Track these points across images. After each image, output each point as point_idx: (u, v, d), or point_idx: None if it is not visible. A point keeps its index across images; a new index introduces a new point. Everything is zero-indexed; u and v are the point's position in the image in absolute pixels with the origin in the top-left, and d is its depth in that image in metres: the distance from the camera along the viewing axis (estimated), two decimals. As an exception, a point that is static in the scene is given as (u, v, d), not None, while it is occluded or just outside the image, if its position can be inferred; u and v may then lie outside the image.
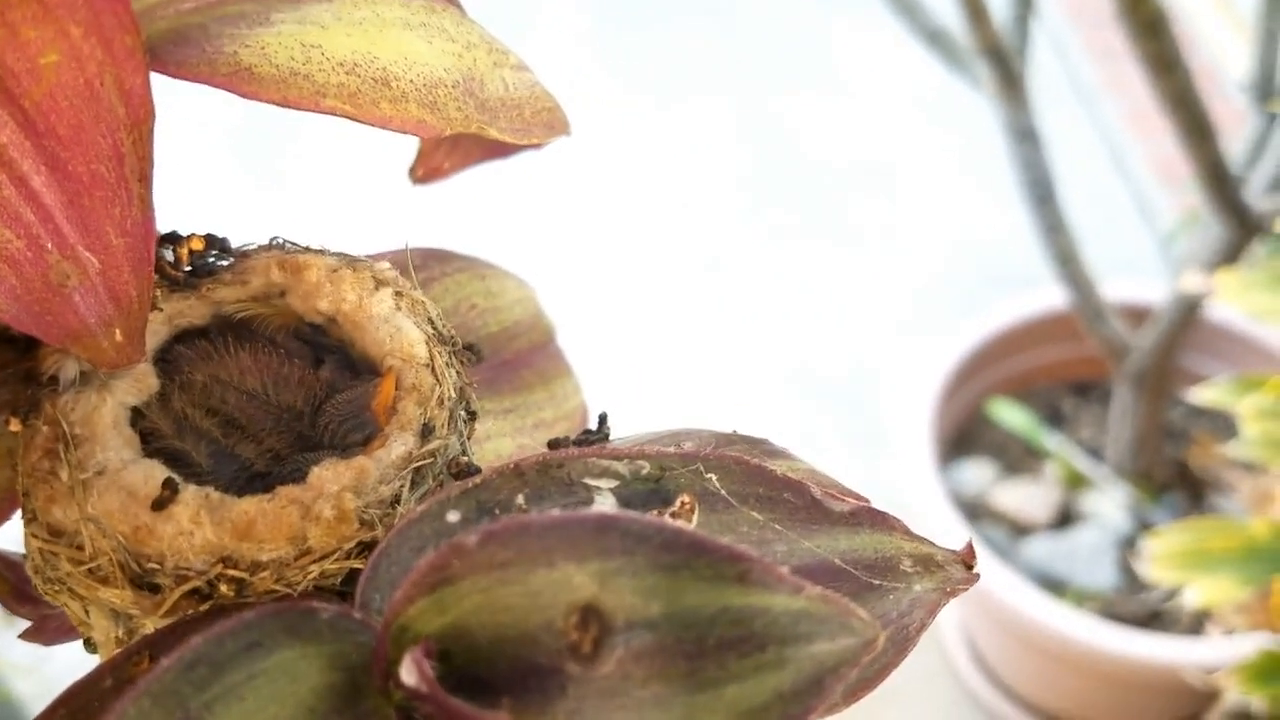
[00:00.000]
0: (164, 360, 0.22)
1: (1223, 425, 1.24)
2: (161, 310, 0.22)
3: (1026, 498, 1.31)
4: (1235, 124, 1.19)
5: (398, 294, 0.22)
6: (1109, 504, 1.28)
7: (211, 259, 0.22)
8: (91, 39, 0.17)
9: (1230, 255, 1.03)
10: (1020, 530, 1.29)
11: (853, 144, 1.82)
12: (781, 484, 0.19)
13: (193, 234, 0.22)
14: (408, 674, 0.16)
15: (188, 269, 0.22)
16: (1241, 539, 0.92)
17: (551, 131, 0.24)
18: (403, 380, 0.21)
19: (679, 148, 1.84)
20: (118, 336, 0.19)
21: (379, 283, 0.22)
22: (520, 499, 0.18)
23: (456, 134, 0.27)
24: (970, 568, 0.20)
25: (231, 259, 0.22)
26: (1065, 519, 1.30)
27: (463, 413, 0.22)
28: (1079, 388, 1.35)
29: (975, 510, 1.29)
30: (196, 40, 0.19)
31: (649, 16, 2.07)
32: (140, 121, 0.18)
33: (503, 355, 0.26)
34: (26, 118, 0.17)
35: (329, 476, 0.20)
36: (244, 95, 0.19)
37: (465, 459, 0.21)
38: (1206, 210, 1.02)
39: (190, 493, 0.19)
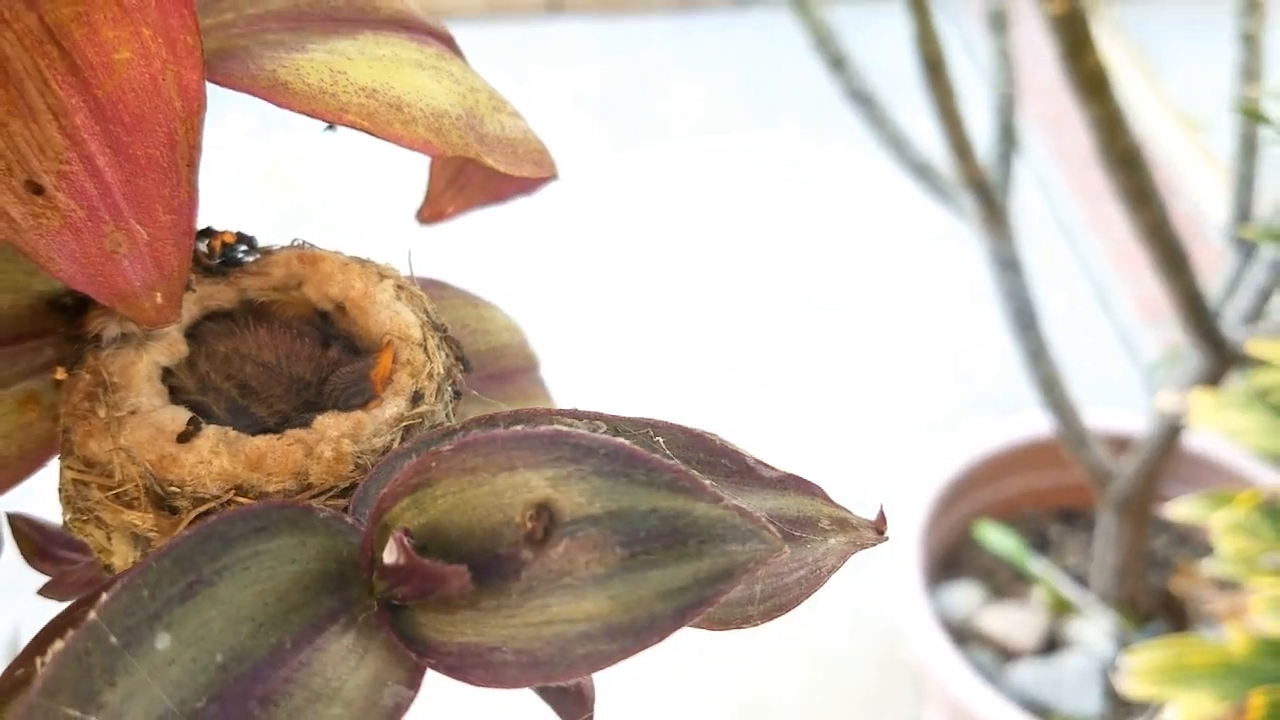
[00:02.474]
0: (193, 335, 0.25)
1: (1205, 554, 1.26)
2: (194, 292, 0.25)
3: (1014, 622, 1.32)
4: (1216, 265, 1.24)
5: (399, 287, 0.26)
6: (1095, 631, 1.29)
7: (240, 252, 0.26)
8: (159, 39, 0.20)
9: (1208, 385, 1.06)
10: (1007, 655, 1.30)
11: (840, 268, 1.87)
12: (720, 451, 0.22)
13: (225, 230, 0.26)
14: (389, 554, 0.19)
15: (219, 259, 0.25)
16: (1219, 655, 0.93)
17: (539, 169, 0.27)
18: (399, 356, 0.25)
19: (673, 263, 1.89)
20: (159, 299, 0.22)
21: (383, 276, 0.26)
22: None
23: (459, 179, 0.31)
24: (881, 533, 0.23)
25: (257, 254, 0.26)
26: (1052, 645, 1.31)
27: (449, 388, 0.25)
28: (1065, 514, 1.38)
29: (963, 633, 1.30)
30: (242, 58, 0.23)
31: (648, 142, 2.14)
32: (193, 113, 0.21)
33: (490, 370, 0.30)
34: (98, 105, 0.21)
35: (330, 424, 0.23)
36: (279, 105, 0.23)
37: (448, 424, 0.24)
38: (1186, 341, 1.05)
39: (211, 429, 0.23)
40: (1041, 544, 1.35)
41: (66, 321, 0.24)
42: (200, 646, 0.18)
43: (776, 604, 0.21)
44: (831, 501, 0.23)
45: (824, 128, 2.11)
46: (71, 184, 0.21)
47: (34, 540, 0.26)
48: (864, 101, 1.15)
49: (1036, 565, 1.29)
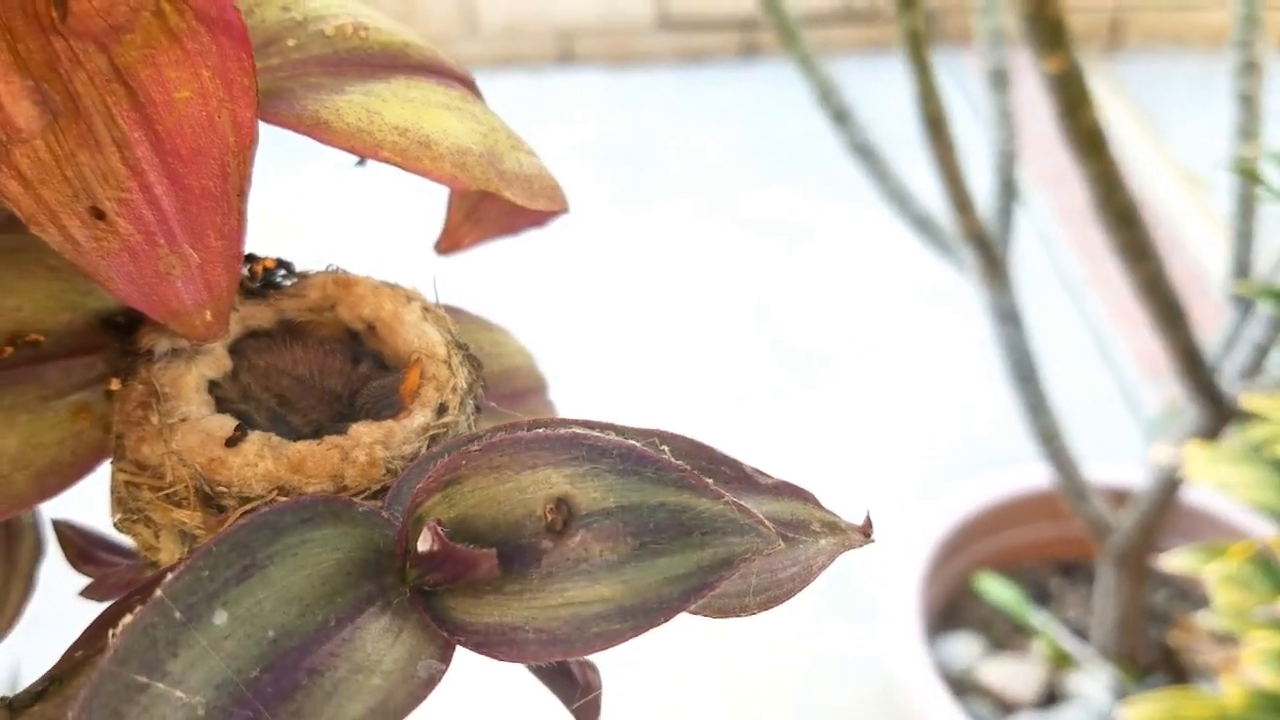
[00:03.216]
0: (236, 350, 0.27)
1: (1205, 608, 1.27)
2: (237, 311, 0.27)
3: (1013, 675, 1.33)
4: (1217, 321, 1.26)
5: (425, 309, 0.28)
6: (1094, 684, 1.30)
7: (280, 277, 0.28)
8: (217, 80, 0.23)
9: (1206, 439, 1.07)
10: (1006, 708, 1.31)
11: (842, 323, 1.89)
12: (720, 459, 0.24)
13: (267, 256, 0.28)
14: (424, 542, 0.21)
15: (260, 283, 0.28)
16: (1214, 709, 0.94)
17: (552, 204, 0.30)
18: (425, 371, 0.27)
19: (673, 318, 1.91)
20: (208, 316, 0.24)
21: (410, 299, 0.28)
22: (515, 442, 0.23)
23: (475, 212, 0.34)
24: (869, 536, 0.25)
25: (295, 278, 0.28)
26: (1051, 697, 1.31)
27: (471, 402, 0.27)
28: (1065, 567, 1.39)
29: (962, 685, 1.31)
30: (288, 99, 0.25)
31: (652, 194, 2.17)
32: (245, 148, 0.23)
33: (502, 390, 0.32)
34: (158, 138, 0.23)
35: (364, 431, 0.25)
36: (320, 141, 0.25)
37: (471, 433, 0.26)
38: (1184, 395, 1.07)
39: (256, 435, 0.25)
40: (1041, 596, 1.36)
41: (119, 338, 0.26)
42: (254, 623, 0.20)
43: (771, 596, 0.23)
44: (822, 507, 0.25)
45: (828, 182, 2.14)
46: (131, 210, 0.23)
47: (77, 544, 0.28)
48: (867, 155, 1.17)
49: (1036, 617, 1.30)
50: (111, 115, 0.23)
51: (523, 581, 0.21)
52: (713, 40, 2.60)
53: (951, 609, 1.37)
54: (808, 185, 2.19)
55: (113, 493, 0.25)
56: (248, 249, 0.28)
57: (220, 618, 0.19)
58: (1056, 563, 1.39)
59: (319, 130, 0.25)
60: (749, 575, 0.23)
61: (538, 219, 0.33)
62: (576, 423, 0.23)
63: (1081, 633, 1.32)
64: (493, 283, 2.01)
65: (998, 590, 1.31)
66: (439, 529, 0.21)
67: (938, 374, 1.82)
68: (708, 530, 0.21)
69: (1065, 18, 0.88)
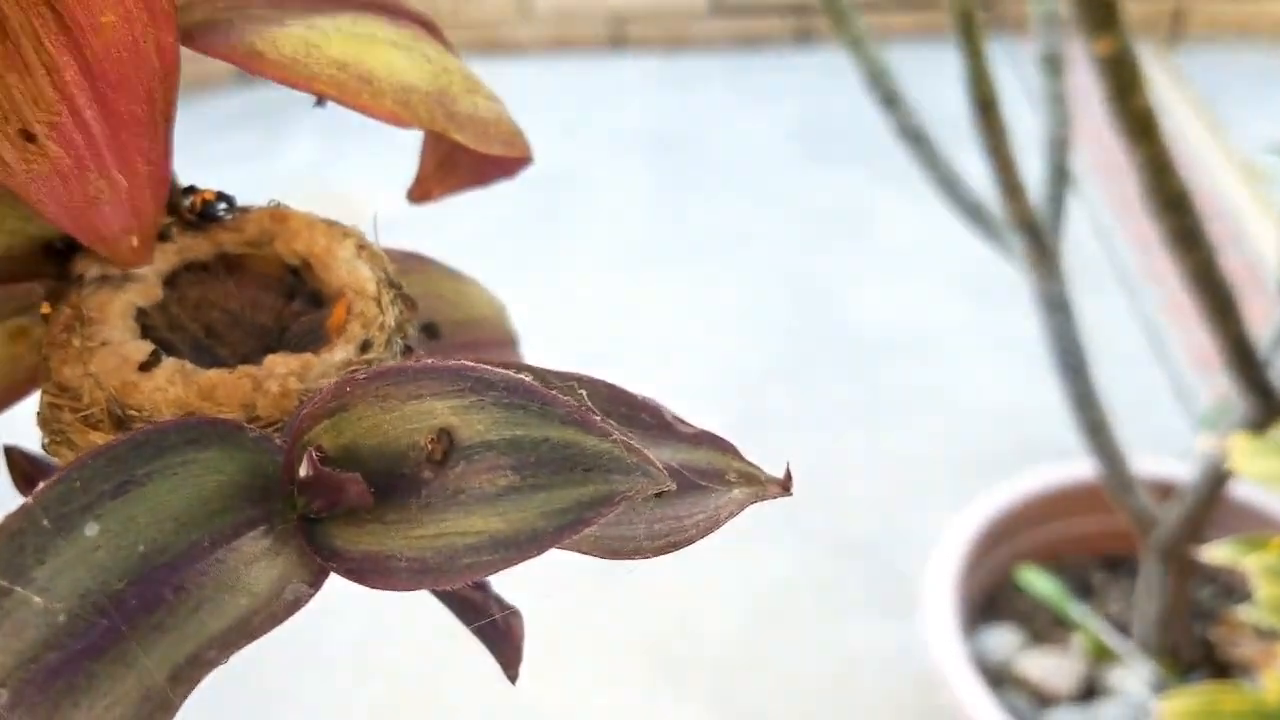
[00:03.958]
0: (171, 282, 0.28)
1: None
2: (175, 243, 0.28)
3: (1052, 668, 1.31)
4: (1273, 316, 1.23)
5: (360, 246, 0.28)
6: (1134, 680, 1.28)
7: (220, 210, 0.28)
8: (139, 5, 0.23)
9: (1255, 433, 1.05)
10: (1044, 700, 1.29)
11: (892, 310, 1.87)
12: (640, 406, 0.24)
13: (207, 188, 0.28)
14: (303, 468, 0.21)
15: (199, 215, 0.28)
16: (1253, 702, 0.93)
17: (510, 149, 0.29)
18: (352, 307, 0.27)
19: (723, 301, 1.91)
20: (134, 242, 0.24)
21: (346, 235, 0.28)
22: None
23: (446, 163, 0.33)
24: (787, 490, 0.24)
25: (236, 213, 0.28)
26: (1090, 692, 1.30)
27: (400, 341, 0.27)
28: (1109, 561, 1.37)
29: (999, 677, 1.30)
30: (223, 29, 0.25)
31: (704, 179, 2.16)
32: (169, 73, 0.24)
33: (462, 339, 0.32)
34: (86, 64, 0.23)
35: (279, 362, 0.25)
36: (253, 72, 0.25)
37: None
38: (1234, 389, 1.05)
39: (170, 361, 0.25)
40: (1084, 590, 1.34)
41: (57, 265, 0.27)
42: (125, 537, 0.20)
43: (671, 541, 0.22)
44: (742, 458, 0.24)
45: (881, 169, 2.12)
46: (61, 134, 0.24)
47: (24, 469, 0.28)
48: (916, 139, 1.16)
49: (1077, 611, 1.28)
50: (39, 38, 0.23)
51: (402, 511, 0.21)
52: (767, 25, 2.58)
53: (992, 601, 1.35)
54: (861, 172, 2.17)
55: (39, 415, 0.25)
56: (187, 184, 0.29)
57: (91, 529, 0.20)
58: (1100, 556, 1.37)
59: (253, 61, 0.25)
60: (650, 520, 0.23)
61: (507, 169, 0.33)
62: (489, 363, 0.23)
63: (1123, 627, 1.30)
64: (541, 265, 2.01)
65: (1039, 583, 1.29)
66: (314, 454, 0.21)
67: (987, 364, 1.80)
68: (590, 467, 0.20)
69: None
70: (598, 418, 0.20)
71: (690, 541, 0.22)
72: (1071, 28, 1.03)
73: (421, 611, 1.37)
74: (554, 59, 2.55)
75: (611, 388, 0.24)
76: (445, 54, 0.29)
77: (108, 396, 0.24)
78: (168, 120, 0.24)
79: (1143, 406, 1.64)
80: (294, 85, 0.25)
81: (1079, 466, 1.32)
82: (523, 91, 2.41)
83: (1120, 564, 1.37)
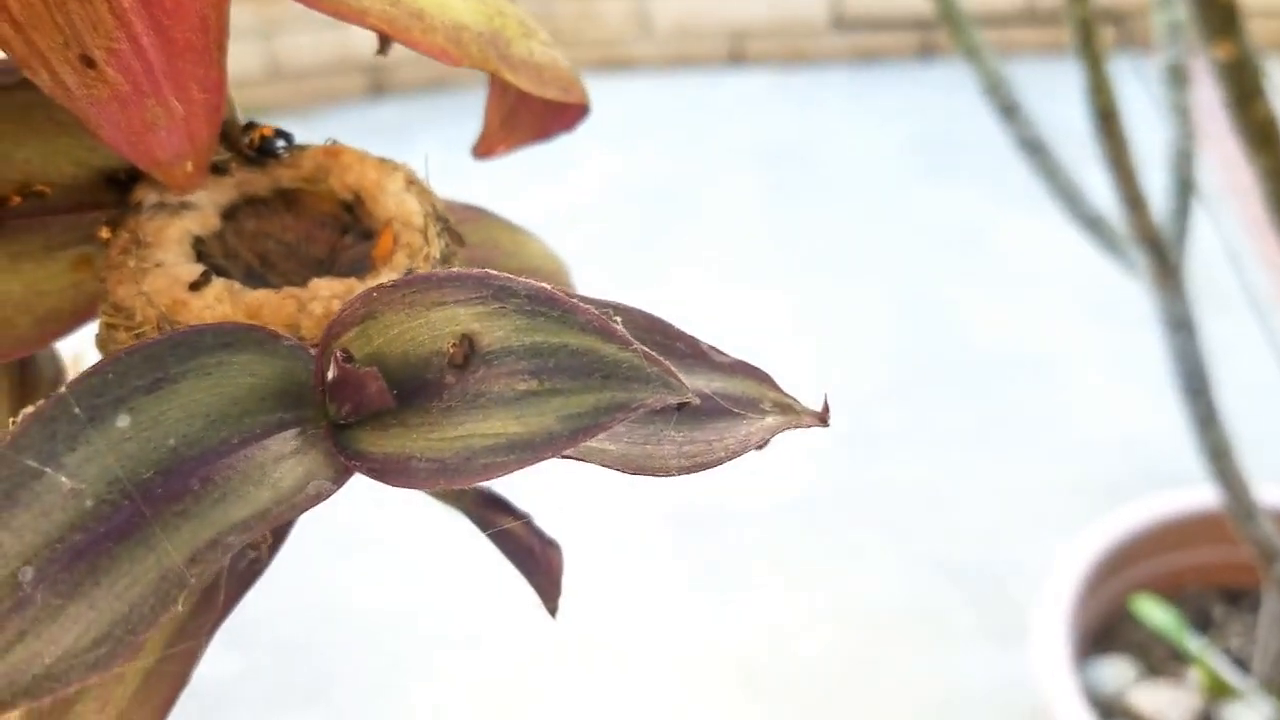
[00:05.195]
0: (230, 215, 0.28)
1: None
2: (233, 177, 0.28)
3: (1166, 702, 1.27)
4: None
5: (410, 180, 0.29)
6: (1253, 717, 1.23)
7: (279, 146, 0.29)
8: (193, -69, 0.23)
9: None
10: (1157, 734, 1.25)
11: (1010, 330, 1.84)
12: (676, 335, 0.24)
13: (266, 124, 0.29)
14: (332, 370, 0.21)
15: (258, 150, 0.28)
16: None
17: (566, 95, 0.30)
18: (399, 238, 0.27)
19: (836, 319, 1.89)
20: (189, 167, 0.25)
21: (395, 169, 0.29)
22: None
23: (510, 119, 0.34)
24: (825, 421, 0.24)
25: (293, 149, 0.29)
26: (1204, 727, 1.25)
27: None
28: (1230, 594, 1.32)
29: (1111, 709, 1.26)
30: (281, -34, 0.26)
31: (820, 195, 2.15)
32: (221, 2, 0.24)
33: (517, 288, 0.32)
34: (141, -10, 0.24)
35: (324, 285, 0.26)
36: (305, 4, 0.26)
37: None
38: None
39: (220, 281, 0.26)
40: (1203, 623, 1.30)
41: (119, 194, 0.28)
42: (156, 430, 0.20)
43: (698, 461, 0.22)
44: (778, 388, 0.24)
45: (1003, 187, 2.08)
46: (120, 60, 0.24)
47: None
48: (1036, 150, 1.14)
49: (1195, 644, 1.24)
50: (96, -36, 0.24)
51: (424, 415, 0.21)
52: (889, 40, 2.56)
53: (1107, 631, 1.31)
54: (981, 189, 2.13)
55: (96, 337, 0.26)
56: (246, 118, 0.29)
57: (123, 421, 0.20)
58: (1221, 588, 1.32)
59: (308, -5, 0.26)
60: (679, 442, 0.22)
61: (567, 119, 0.33)
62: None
63: (1243, 663, 1.25)
64: (649, 277, 2.02)
65: (1156, 614, 1.25)
66: (339, 356, 0.21)
67: (1107, 385, 1.75)
68: (609, 374, 0.20)
69: (1236, 2, 0.84)
70: (619, 329, 0.20)
71: (718, 463, 0.22)
72: (1195, 39, 1.00)
73: (504, 624, 1.37)
74: (673, 75, 2.56)
75: (649, 317, 0.24)
76: None
77: (159, 314, 0.25)
78: (221, 49, 0.25)
79: (1269, 433, 1.58)
80: (345, 18, 0.26)
81: (1201, 494, 1.28)
82: (641, 107, 2.43)
83: (1242, 597, 1.32)
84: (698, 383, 0.24)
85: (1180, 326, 1.15)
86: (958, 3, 1.07)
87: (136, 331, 0.25)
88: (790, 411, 0.24)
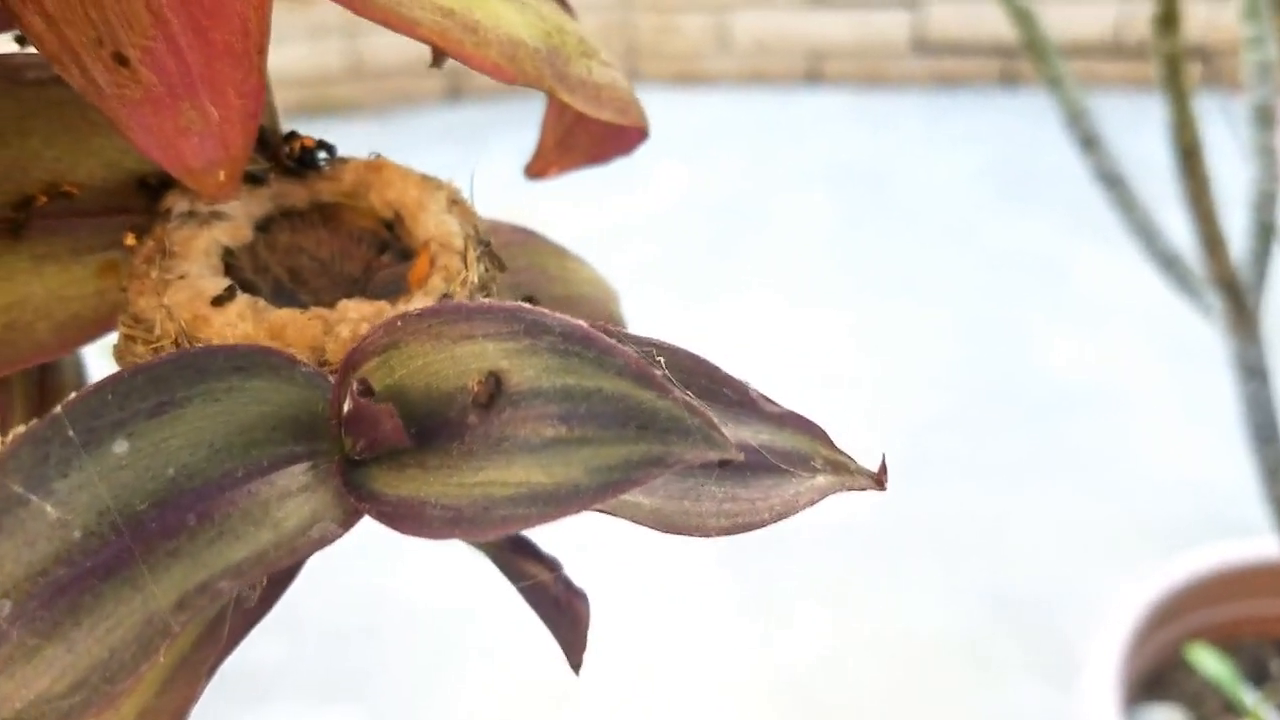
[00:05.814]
0: (264, 227, 0.27)
1: None
2: (270, 188, 0.27)
3: (1219, 756, 1.23)
4: None
5: (452, 201, 0.27)
6: (1308, 777, 1.19)
7: (320, 158, 0.27)
8: (234, -72, 0.22)
9: None
10: (1208, 789, 1.21)
11: (1078, 363, 1.80)
12: (724, 380, 0.22)
13: (307, 135, 0.27)
14: (348, 403, 0.20)
15: (297, 161, 0.27)
16: None
17: (622, 117, 0.28)
18: (436, 260, 0.26)
19: (901, 342, 1.86)
20: (221, 176, 0.24)
21: (438, 188, 0.27)
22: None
23: (566, 139, 0.32)
24: (881, 484, 0.22)
25: (335, 161, 0.28)
26: (1259, 785, 1.21)
27: (481, 298, 0.26)
28: (1292, 648, 1.28)
29: (1162, 759, 1.22)
30: (329, -33, 0.25)
31: (891, 218, 2.12)
32: (263, 3, 0.23)
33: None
34: (182, -11, 0.23)
35: (352, 307, 0.24)
36: (354, 11, 0.24)
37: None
38: None
39: (243, 297, 0.24)
40: (1258, 675, 1.26)
41: (149, 200, 0.26)
42: (155, 459, 0.19)
43: (739, 522, 0.21)
44: (832, 444, 0.22)
45: (1079, 219, 2.04)
46: (155, 60, 0.23)
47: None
48: (1114, 184, 1.11)
49: (1249, 697, 1.20)
50: (136, -41, 0.23)
51: (443, 456, 0.20)
52: (970, 66, 2.52)
53: (1159, 678, 1.27)
54: (1057, 219, 2.09)
55: (115, 347, 0.25)
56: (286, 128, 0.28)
57: (121, 446, 0.19)
58: (1279, 642, 1.28)
59: (357, 1, 0.24)
60: (720, 498, 0.21)
61: (624, 144, 0.32)
62: (571, 319, 0.22)
63: (1302, 722, 1.21)
64: (715, 291, 2.00)
65: (1211, 663, 1.21)
66: (357, 388, 0.20)
67: (1174, 426, 1.71)
68: (645, 424, 0.19)
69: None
70: (660, 373, 0.19)
71: (761, 525, 0.20)
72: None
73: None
74: (749, 91, 2.54)
75: (695, 358, 0.22)
76: (562, 14, 0.28)
77: (178, 329, 0.24)
78: (261, 53, 0.23)
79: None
80: (396, 29, 0.25)
81: (1264, 545, 1.24)
82: (716, 122, 2.41)
83: (1304, 652, 1.27)
84: (744, 434, 0.22)
85: (1254, 373, 1.11)
86: (1042, 32, 1.05)
87: (155, 345, 0.24)
88: (844, 471, 0.22)
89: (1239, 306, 1.08)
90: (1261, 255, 1.08)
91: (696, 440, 0.18)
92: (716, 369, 0.23)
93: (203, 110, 0.24)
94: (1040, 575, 1.52)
